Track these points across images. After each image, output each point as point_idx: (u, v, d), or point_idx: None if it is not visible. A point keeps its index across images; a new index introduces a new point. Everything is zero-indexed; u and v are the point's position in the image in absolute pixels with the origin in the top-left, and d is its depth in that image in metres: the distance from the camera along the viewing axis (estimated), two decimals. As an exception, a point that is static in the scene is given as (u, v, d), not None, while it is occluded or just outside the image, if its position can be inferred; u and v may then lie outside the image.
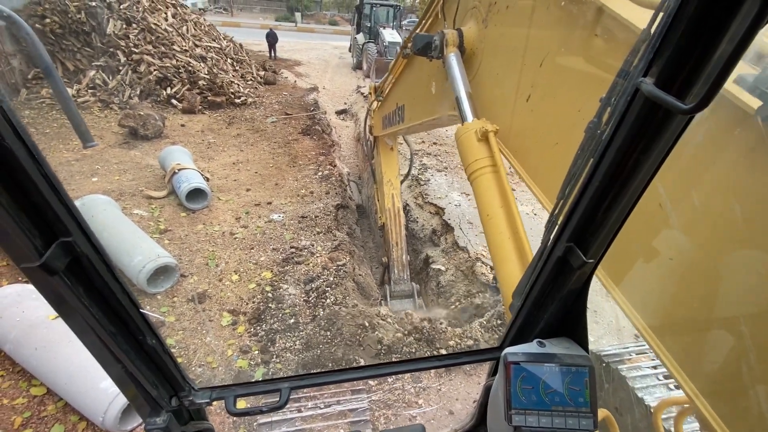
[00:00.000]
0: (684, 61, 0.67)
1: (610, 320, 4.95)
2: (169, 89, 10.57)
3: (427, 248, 6.66)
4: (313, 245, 5.51)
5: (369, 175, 6.55)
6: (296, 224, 5.97)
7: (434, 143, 10.52)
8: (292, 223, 5.98)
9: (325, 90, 16.07)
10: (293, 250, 5.37)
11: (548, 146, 1.82)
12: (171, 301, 4.27)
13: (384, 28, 18.99)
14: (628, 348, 3.00)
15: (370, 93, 5.33)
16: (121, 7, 10.87)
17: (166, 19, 11.80)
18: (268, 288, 4.67)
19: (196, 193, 5.94)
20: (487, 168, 2.01)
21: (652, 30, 0.68)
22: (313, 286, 4.76)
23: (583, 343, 1.11)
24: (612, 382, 2.66)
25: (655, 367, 2.68)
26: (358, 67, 20.32)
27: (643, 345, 3.05)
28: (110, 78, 10.36)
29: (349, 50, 22.79)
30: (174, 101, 10.44)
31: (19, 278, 4.10)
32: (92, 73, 10.29)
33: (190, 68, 11.08)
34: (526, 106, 1.96)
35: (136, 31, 10.82)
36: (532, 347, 1.09)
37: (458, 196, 7.50)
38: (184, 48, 11.50)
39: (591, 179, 0.88)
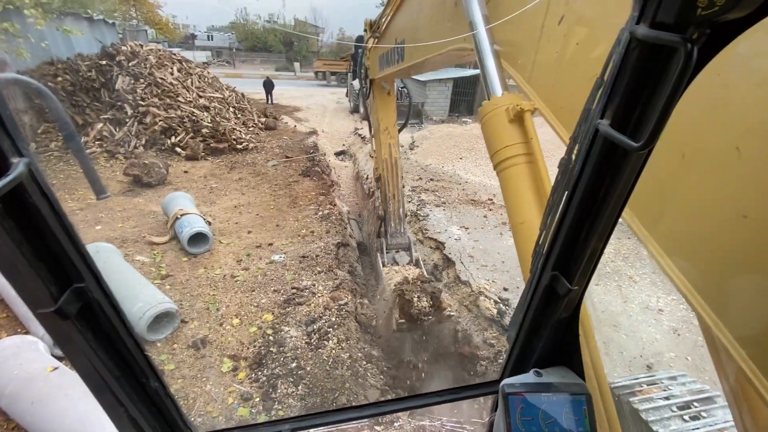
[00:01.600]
0: (632, 105, 0.74)
1: (620, 351, 4.83)
2: (173, 138, 10.95)
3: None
4: (314, 285, 5.49)
5: (369, 213, 6.65)
6: (297, 264, 5.98)
7: (431, 179, 10.74)
8: (293, 264, 5.99)
9: (324, 133, 16.62)
10: (294, 290, 5.34)
11: (585, 81, 1.43)
12: (171, 348, 4.19)
13: (378, 73, 19.99)
14: (639, 379, 2.92)
15: (365, 30, 4.87)
16: (130, 64, 11.52)
17: (172, 74, 12.46)
18: (269, 331, 4.60)
19: (197, 238, 6.00)
20: (520, 157, 1.65)
21: (605, 77, 0.77)
22: (314, 327, 4.69)
23: (579, 371, 1.12)
24: (624, 416, 2.56)
25: (667, 398, 2.59)
26: (355, 110, 21.15)
27: (654, 375, 2.97)
28: (117, 129, 10.77)
29: (346, 95, 23.82)
30: (178, 149, 10.78)
31: (19, 330, 4.06)
32: (100, 125, 10.72)
33: (194, 117, 11.55)
34: (557, 31, 1.59)
35: (144, 85, 11.39)
36: (529, 377, 1.10)
37: (457, 230, 7.55)
38: (188, 99, 12.05)
39: (567, 211, 0.94)
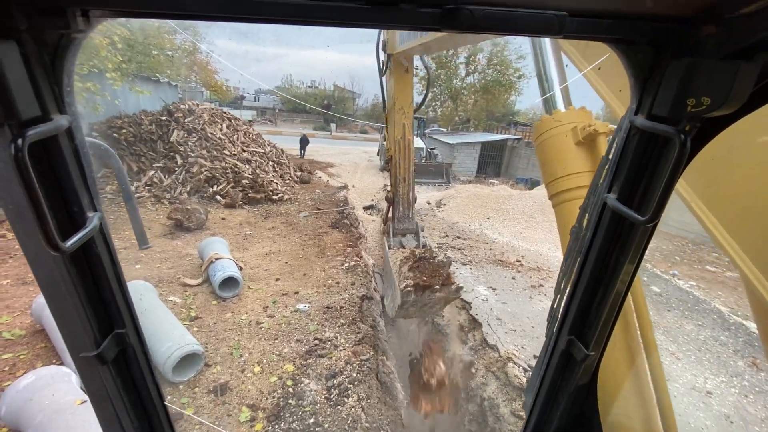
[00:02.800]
0: (636, 183, 0.79)
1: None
2: (215, 187, 11.72)
3: (455, 345, 6.37)
4: (336, 337, 5.42)
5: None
6: (321, 315, 5.97)
7: (458, 237, 10.75)
8: (318, 314, 5.99)
9: (354, 188, 17.25)
10: (317, 342, 5.29)
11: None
12: (192, 392, 4.17)
13: (409, 135, 21.04)
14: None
15: None
16: (186, 120, 12.79)
17: (221, 129, 13.67)
18: (289, 382, 4.51)
19: (228, 282, 6.18)
20: (585, 191, 1.33)
21: (610, 156, 0.85)
22: (335, 382, 4.57)
23: None
24: None
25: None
26: (385, 168, 22.04)
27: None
28: (166, 177, 11.69)
29: (377, 154, 24.97)
30: (218, 197, 11.48)
31: (54, 360, 4.20)
32: (152, 172, 11.69)
33: (236, 169, 12.40)
34: None
35: (195, 138, 12.52)
36: None
37: (485, 290, 7.39)
38: (233, 152, 13.06)
39: (580, 277, 0.95)
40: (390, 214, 5.82)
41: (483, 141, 23.26)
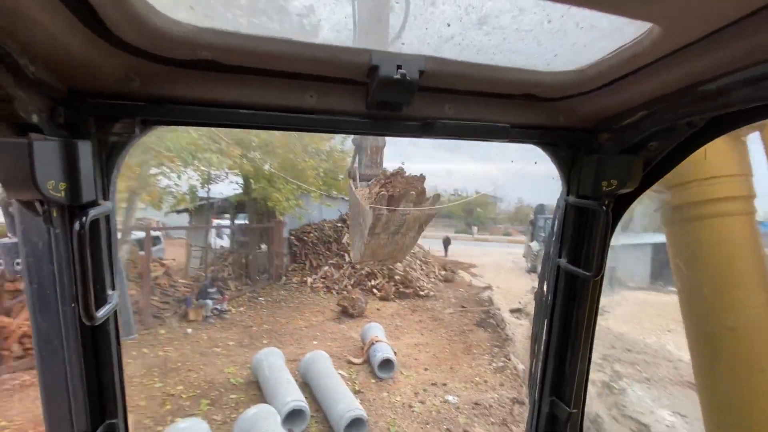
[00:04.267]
0: (579, 247, 1.04)
1: None
2: (373, 281, 13.45)
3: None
4: (487, 436, 5.29)
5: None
6: (470, 409, 5.95)
7: (628, 350, 9.24)
8: (466, 408, 5.99)
9: (499, 289, 16.90)
10: (466, 436, 5.27)
11: None
12: (356, 456, 4.70)
13: (558, 236, 20.16)
14: None
15: None
16: (355, 226, 15.66)
17: (380, 233, 16.09)
18: (440, 470, 4.60)
19: (385, 364, 6.89)
20: (737, 202, 1.11)
21: (554, 229, 1.13)
22: (486, 481, 4.42)
23: None
24: None
25: None
26: (532, 270, 21.05)
27: None
28: (337, 271, 14.10)
29: (524, 256, 24.22)
30: (375, 290, 13.06)
31: (261, 402, 5.42)
32: (326, 268, 14.31)
33: (390, 267, 14.08)
34: None
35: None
36: None
37: (669, 415, 6.07)
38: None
39: (550, 337, 1.09)
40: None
41: (655, 243, 20.21)
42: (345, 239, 14.98)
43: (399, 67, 0.75)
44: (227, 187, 13.95)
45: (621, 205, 0.98)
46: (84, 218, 0.71)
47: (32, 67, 0.60)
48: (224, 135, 9.08)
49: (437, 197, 3.73)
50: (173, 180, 9.35)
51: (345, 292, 11.89)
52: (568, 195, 1.04)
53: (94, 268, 0.75)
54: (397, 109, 0.86)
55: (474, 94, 0.89)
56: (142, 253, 9.90)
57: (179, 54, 0.74)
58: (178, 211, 15.05)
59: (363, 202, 3.52)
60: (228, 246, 15.59)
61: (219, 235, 16.23)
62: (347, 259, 14.22)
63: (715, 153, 1.34)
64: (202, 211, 15.36)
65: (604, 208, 0.94)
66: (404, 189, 3.53)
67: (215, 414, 5.37)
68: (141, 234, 10.31)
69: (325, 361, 6.19)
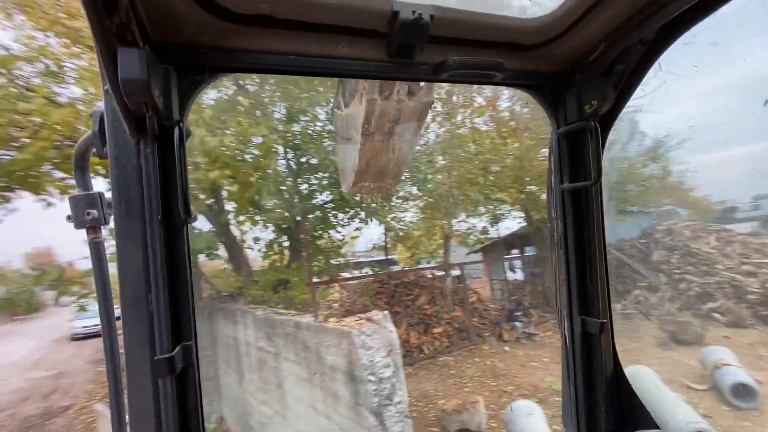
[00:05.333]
0: (576, 164, 1.17)
1: None
2: (710, 303, 10.73)
3: None
4: None
5: None
6: None
7: None
8: None
9: None
10: None
11: None
12: (711, 475, 4.23)
13: None
14: None
15: None
16: (665, 239, 13.22)
17: (708, 243, 12.72)
18: None
19: (742, 391, 5.62)
20: None
21: (550, 155, 1.27)
22: None
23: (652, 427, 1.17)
24: None
25: None
26: None
27: None
28: (652, 295, 12.21)
29: None
30: (716, 314, 10.35)
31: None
32: (636, 292, 12.67)
33: (735, 283, 10.83)
34: None
35: (677, 255, 12.49)
36: None
37: None
38: (728, 266, 11.59)
39: (568, 262, 1.20)
40: None
41: None
42: (654, 257, 12.88)
43: (414, 12, 0.90)
44: (511, 222, 15.44)
45: (605, 123, 1.18)
46: (173, 138, 0.83)
47: (122, 14, 0.66)
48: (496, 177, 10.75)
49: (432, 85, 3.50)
50: (472, 222, 11.73)
51: (669, 317, 10.16)
52: (558, 128, 1.24)
53: (173, 191, 0.84)
54: (411, 55, 0.99)
55: (471, 42, 1.04)
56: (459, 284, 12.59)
57: (243, 8, 0.84)
58: (475, 251, 17.72)
59: (353, 107, 3.15)
60: (522, 278, 16.63)
61: (512, 269, 17.62)
62: (662, 278, 12.12)
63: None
64: (495, 247, 17.39)
65: (592, 124, 1.14)
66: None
67: (546, 410, 6.20)
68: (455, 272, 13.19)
69: (650, 376, 5.87)
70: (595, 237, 1.21)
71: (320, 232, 9.35)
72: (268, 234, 8.96)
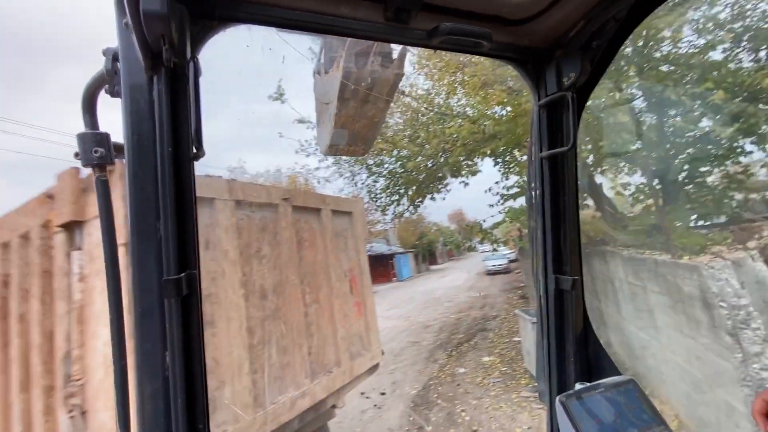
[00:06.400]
0: (554, 132, 1.29)
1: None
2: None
3: None
4: None
5: None
6: None
7: None
8: None
9: None
10: None
11: None
12: None
13: None
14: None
15: None
16: None
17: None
18: None
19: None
20: None
21: (530, 129, 1.38)
22: None
23: (611, 366, 1.25)
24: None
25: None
26: None
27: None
28: None
29: None
30: None
31: None
32: None
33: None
34: None
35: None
36: (577, 388, 1.12)
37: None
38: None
39: (544, 223, 1.30)
40: None
41: None
42: None
43: None
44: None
45: (582, 94, 1.25)
46: (186, 74, 0.85)
47: None
48: None
49: (402, 58, 3.37)
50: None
51: None
52: (539, 100, 1.30)
53: (184, 127, 0.86)
54: (406, 20, 1.03)
55: (462, 13, 1.10)
56: None
57: None
58: None
59: (331, 72, 3.27)
60: None
61: None
62: None
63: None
64: None
65: (570, 94, 1.20)
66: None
67: None
68: None
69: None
70: (569, 199, 1.30)
71: (707, 168, 8.06)
72: (636, 179, 8.81)
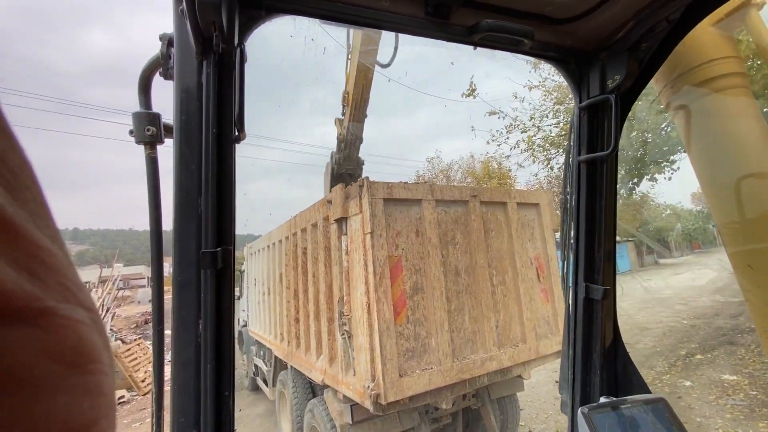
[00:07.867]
0: (594, 135, 1.25)
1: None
2: None
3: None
4: None
5: None
6: None
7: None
8: None
9: None
10: None
11: None
12: None
13: None
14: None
15: None
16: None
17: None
18: None
19: None
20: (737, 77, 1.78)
21: (571, 129, 1.33)
22: None
23: (641, 384, 1.19)
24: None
25: None
26: None
27: None
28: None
29: None
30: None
31: None
32: None
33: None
34: None
35: None
36: (602, 401, 1.10)
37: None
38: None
39: (578, 230, 1.27)
40: None
41: None
42: None
43: None
44: None
45: (627, 98, 1.20)
46: (233, 60, 0.88)
47: None
48: None
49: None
50: None
51: None
52: (580, 102, 1.27)
53: (228, 110, 0.89)
54: (446, 15, 1.03)
55: (504, 10, 1.07)
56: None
57: None
58: None
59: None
60: None
61: None
62: None
63: (708, 40, 1.78)
64: None
65: (614, 97, 1.17)
66: None
67: None
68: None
69: None
70: (606, 206, 1.26)
71: None
72: None
